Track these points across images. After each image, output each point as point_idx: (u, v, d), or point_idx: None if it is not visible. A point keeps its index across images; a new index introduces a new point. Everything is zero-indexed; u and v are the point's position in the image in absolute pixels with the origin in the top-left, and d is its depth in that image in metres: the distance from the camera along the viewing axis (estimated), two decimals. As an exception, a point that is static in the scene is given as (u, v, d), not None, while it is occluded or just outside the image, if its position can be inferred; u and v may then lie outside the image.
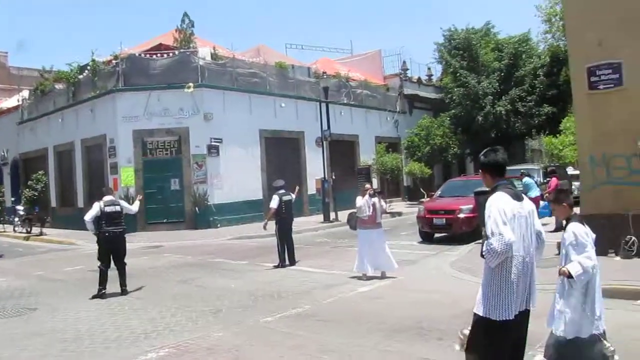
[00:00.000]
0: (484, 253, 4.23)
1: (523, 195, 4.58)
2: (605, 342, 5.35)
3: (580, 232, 5.35)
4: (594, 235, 5.42)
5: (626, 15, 11.11)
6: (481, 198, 10.48)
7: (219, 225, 23.29)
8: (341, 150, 29.62)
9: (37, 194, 26.48)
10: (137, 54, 24.62)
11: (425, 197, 26.33)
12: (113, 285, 10.73)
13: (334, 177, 25.68)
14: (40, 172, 27.58)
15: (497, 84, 33.50)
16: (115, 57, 24.54)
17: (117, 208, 10.87)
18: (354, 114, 32.04)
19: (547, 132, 34.94)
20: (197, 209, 23.33)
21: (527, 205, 4.48)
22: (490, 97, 33.22)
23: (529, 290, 4.40)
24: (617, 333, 5.96)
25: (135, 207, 11.83)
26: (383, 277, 11.26)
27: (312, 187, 27.49)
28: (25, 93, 32.28)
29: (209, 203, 23.53)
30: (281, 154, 26.96)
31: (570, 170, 26.28)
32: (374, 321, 7.95)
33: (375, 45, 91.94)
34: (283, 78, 28.22)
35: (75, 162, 27.02)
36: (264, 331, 7.79)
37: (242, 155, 24.84)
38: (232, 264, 14.33)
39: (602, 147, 11.67)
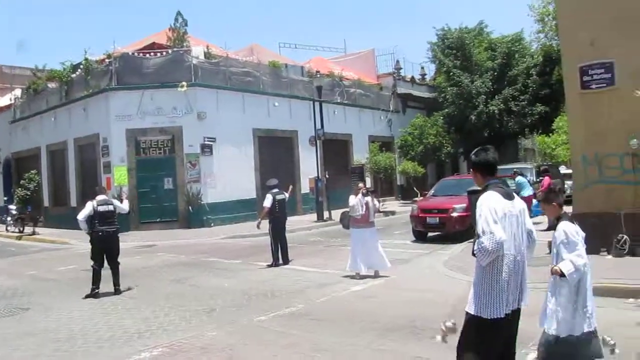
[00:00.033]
0: (475, 252, 4.25)
1: (514, 194, 4.59)
2: (605, 336, 5.41)
3: (570, 230, 5.40)
4: (583, 234, 5.46)
5: (618, 15, 11.16)
6: (474, 197, 10.49)
7: (212, 225, 23.26)
8: (334, 150, 29.65)
9: (29, 193, 26.40)
10: (130, 53, 24.53)
11: (419, 196, 26.36)
12: (106, 285, 10.71)
13: (327, 176, 25.69)
14: (32, 172, 27.50)
15: (490, 83, 33.59)
16: (109, 56, 24.47)
17: (110, 207, 10.85)
18: (348, 113, 32.07)
19: (539, 131, 35.15)
20: (190, 208, 23.30)
21: (518, 204, 4.50)
22: (483, 96, 33.30)
23: (521, 288, 4.43)
24: (608, 331, 5.98)
25: (126, 206, 11.81)
26: (376, 276, 11.28)
27: (305, 186, 27.45)
28: (18, 92, 32.09)
29: (202, 202, 23.50)
30: (274, 153, 26.95)
31: (563, 169, 26.41)
32: (367, 320, 7.97)
33: (369, 44, 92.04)
34: (276, 77, 28.20)
35: (68, 161, 26.93)
36: (258, 330, 7.80)
37: (235, 154, 24.82)
38: (226, 263, 14.32)
39: (595, 146, 11.73)
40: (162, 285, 11.57)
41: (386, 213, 26.27)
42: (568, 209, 12.13)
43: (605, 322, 6.23)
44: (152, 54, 24.30)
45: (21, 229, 24.62)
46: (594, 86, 11.71)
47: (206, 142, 23.83)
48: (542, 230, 5.97)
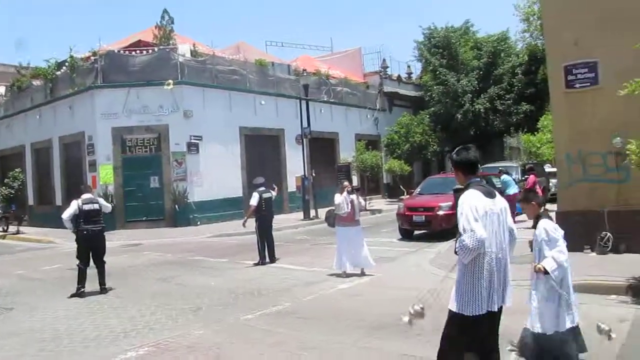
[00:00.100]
0: (456, 249, 4.29)
1: (495, 192, 4.64)
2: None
3: (550, 227, 5.52)
4: (562, 231, 5.56)
5: (603, 15, 11.26)
6: (460, 195, 10.58)
7: (198, 223, 23.20)
8: (321, 148, 29.63)
9: (13, 192, 26.25)
10: (116, 51, 24.39)
11: (405, 194, 26.45)
12: (92, 284, 10.67)
13: (314, 174, 25.70)
14: (17, 170, 27.32)
15: (476, 82, 33.75)
16: (94, 54, 24.32)
17: (96, 206, 10.80)
18: (334, 111, 32.08)
19: (525, 130, 35.35)
20: (176, 206, 23.23)
21: (499, 202, 4.54)
22: (469, 95, 33.45)
23: (503, 286, 4.46)
24: (591, 327, 6.06)
25: (109, 205, 11.76)
26: (362, 274, 11.31)
27: (292, 185, 27.46)
28: (2, 89, 31.81)
29: (188, 201, 23.43)
30: (261, 151, 26.92)
31: (548, 168, 26.62)
32: (354, 318, 8.00)
33: (356, 43, 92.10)
34: (263, 75, 28.16)
35: (53, 159, 26.74)
36: (244, 329, 7.80)
37: (222, 152, 24.77)
38: (212, 261, 14.30)
39: (579, 144, 11.84)
40: (148, 284, 11.54)
41: (373, 211, 26.34)
42: (553, 207, 12.29)
43: (589, 319, 6.31)
44: (138, 51, 24.18)
45: (5, 228, 24.45)
46: (578, 85, 11.82)
47: (192, 141, 23.77)
48: (528, 228, 6.02)
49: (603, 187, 11.43)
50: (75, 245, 10.88)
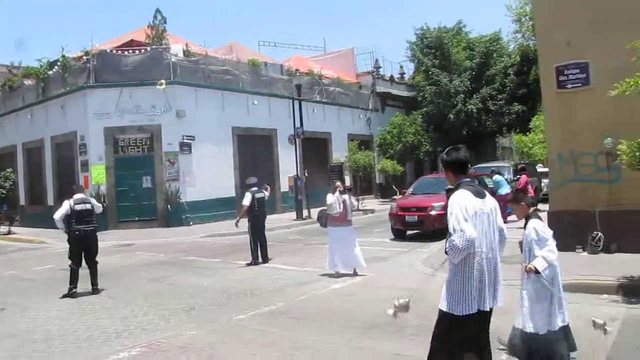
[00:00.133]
0: (446, 249, 4.31)
1: (485, 192, 4.65)
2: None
3: (540, 227, 5.57)
4: (551, 231, 5.61)
5: (594, 16, 11.33)
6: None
7: (191, 223, 23.16)
8: (314, 148, 29.64)
9: (5, 192, 26.08)
10: (108, 50, 24.33)
11: (398, 194, 26.48)
12: (84, 284, 10.64)
13: (306, 174, 25.70)
14: (8, 170, 27.16)
15: (469, 82, 33.85)
16: (86, 53, 24.24)
17: (88, 206, 10.76)
18: (327, 111, 32.11)
19: (517, 130, 35.52)
20: (169, 206, 23.18)
21: (489, 202, 4.56)
22: (461, 95, 33.55)
23: (494, 287, 4.47)
24: (583, 326, 6.10)
25: (100, 205, 11.71)
26: (355, 274, 11.32)
27: (284, 185, 27.46)
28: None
29: (181, 201, 23.39)
30: (254, 151, 26.90)
31: (540, 168, 26.71)
32: (347, 318, 8.01)
33: (348, 43, 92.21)
34: (256, 75, 28.14)
35: (44, 159, 26.62)
36: (237, 329, 7.81)
37: (214, 152, 24.74)
38: (205, 261, 14.28)
39: (570, 145, 11.91)
40: (140, 285, 11.52)
41: (365, 211, 26.37)
42: (545, 207, 12.35)
43: (580, 318, 6.36)
44: (130, 51, 24.12)
45: (-3, 228, 24.32)
46: (569, 86, 11.89)
47: (185, 141, 23.74)
48: (520, 228, 6.06)
49: (594, 187, 11.50)
50: (68, 246, 10.84)
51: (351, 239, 11.49)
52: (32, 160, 28.13)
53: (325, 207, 11.80)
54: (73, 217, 10.49)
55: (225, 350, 6.89)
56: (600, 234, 11.17)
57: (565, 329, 5.57)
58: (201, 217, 23.52)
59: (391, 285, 10.25)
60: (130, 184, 23.41)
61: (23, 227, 25.32)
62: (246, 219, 13.80)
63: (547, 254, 5.45)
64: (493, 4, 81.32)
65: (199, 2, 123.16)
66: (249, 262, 13.44)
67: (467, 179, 4.61)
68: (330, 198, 11.44)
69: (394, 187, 30.25)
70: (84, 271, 10.66)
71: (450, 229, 4.26)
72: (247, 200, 13.64)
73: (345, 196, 11.59)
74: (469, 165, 4.80)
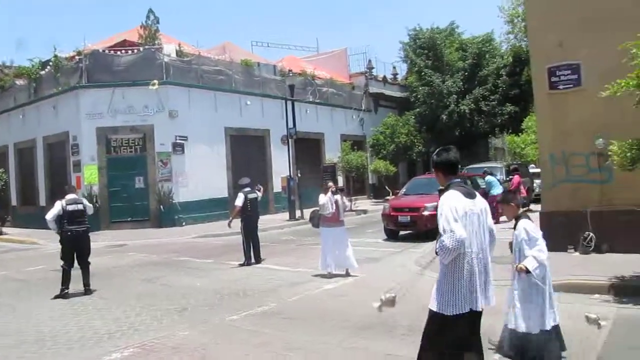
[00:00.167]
0: (437, 250, 4.33)
1: (476, 192, 4.67)
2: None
3: (530, 227, 5.62)
4: (541, 232, 5.66)
5: (585, 18, 11.37)
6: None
7: (184, 224, 23.14)
8: (307, 148, 29.65)
9: (-4, 192, 25.93)
10: (101, 50, 24.29)
11: (390, 194, 26.50)
12: (76, 285, 10.61)
13: (299, 175, 25.72)
14: (0, 170, 27.02)
15: (461, 83, 33.95)
16: (79, 53, 24.19)
17: (80, 207, 10.72)
18: (320, 112, 32.12)
19: (509, 130, 35.61)
20: (162, 207, 23.15)
21: (480, 202, 4.57)
22: (454, 96, 33.63)
23: (485, 287, 4.47)
24: (574, 326, 6.14)
25: (91, 205, 11.66)
26: (347, 274, 11.33)
27: (277, 185, 27.45)
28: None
29: (174, 201, 23.36)
30: (247, 151, 26.88)
31: (532, 169, 26.80)
32: (339, 319, 8.02)
33: (341, 43, 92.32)
34: (249, 76, 28.13)
35: (36, 159, 26.53)
36: (230, 329, 7.80)
37: (207, 153, 24.72)
38: (198, 262, 14.26)
39: (562, 145, 11.96)
40: (133, 285, 11.49)
41: (358, 212, 26.41)
42: (537, 208, 12.40)
43: (573, 317, 6.39)
44: (123, 51, 24.09)
45: (-12, 228, 24.18)
46: (561, 87, 11.95)
47: (178, 141, 23.70)
48: (511, 228, 6.10)
49: (586, 188, 11.55)
50: (60, 246, 10.80)
51: (343, 239, 11.49)
52: (24, 161, 28.03)
53: (317, 208, 11.80)
54: (65, 218, 10.45)
55: (218, 351, 6.88)
56: (591, 234, 11.23)
57: (557, 329, 5.61)
58: (194, 218, 23.49)
59: (384, 285, 10.22)
60: (123, 185, 23.37)
61: (15, 228, 25.21)
62: (239, 220, 13.79)
63: (538, 253, 5.49)
64: (485, 5, 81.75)
65: (192, 3, 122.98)
66: (241, 262, 13.43)
67: (458, 180, 4.62)
68: (323, 198, 11.44)
69: (386, 187, 30.30)
70: (76, 272, 10.63)
71: (440, 230, 4.28)
72: (239, 201, 13.64)
73: (338, 196, 11.59)
74: (460, 166, 4.82)
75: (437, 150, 4.78)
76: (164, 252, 16.32)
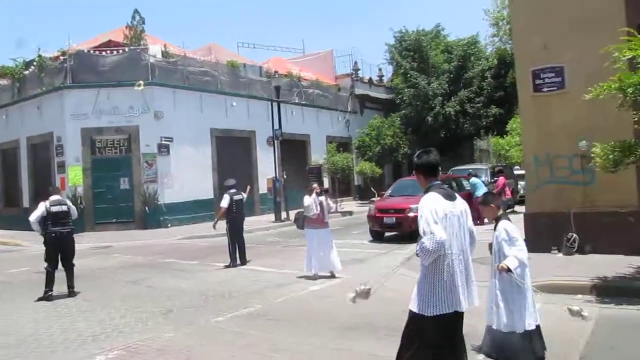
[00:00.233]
0: (417, 252, 4.35)
1: (456, 194, 4.70)
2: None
3: (510, 228, 5.69)
4: (520, 232, 5.74)
5: (570, 21, 11.49)
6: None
7: (169, 225, 23.05)
8: (292, 150, 29.67)
9: (-21, 193, 25.70)
10: (85, 51, 24.14)
11: (376, 196, 26.57)
12: (60, 287, 10.53)
13: (285, 176, 25.72)
14: (-18, 171, 26.79)
15: (447, 85, 34.15)
16: (63, 53, 24.00)
17: (64, 208, 10.64)
18: (306, 113, 32.15)
19: (494, 132, 35.88)
20: (147, 208, 23.04)
21: (460, 204, 4.60)
22: (439, 98, 33.82)
23: (467, 287, 4.50)
24: (557, 327, 6.19)
25: (74, 208, 11.55)
26: (333, 276, 11.34)
27: (263, 187, 27.45)
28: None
29: (159, 202, 23.27)
30: (232, 153, 26.83)
31: (517, 170, 26.99)
32: (325, 320, 8.04)
33: (327, 45, 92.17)
34: (234, 77, 28.09)
35: (20, 160, 26.30)
36: (215, 331, 7.79)
37: (192, 154, 24.65)
38: (183, 264, 14.21)
39: (546, 147, 12.07)
40: (117, 287, 11.43)
41: (344, 213, 26.43)
42: (521, 209, 12.46)
43: (555, 318, 6.45)
44: (108, 52, 23.95)
45: (-29, 230, 23.97)
46: (545, 89, 12.06)
47: (163, 142, 23.61)
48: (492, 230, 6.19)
49: (569, 189, 11.66)
50: (44, 248, 10.72)
51: (328, 241, 11.50)
52: (7, 162, 27.79)
53: (302, 209, 11.81)
54: (49, 219, 10.37)
55: (203, 353, 6.87)
56: (575, 235, 11.33)
57: (538, 329, 5.67)
58: (179, 219, 23.41)
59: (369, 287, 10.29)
60: (108, 186, 23.24)
61: (-3, 229, 24.98)
62: (224, 221, 13.77)
63: (518, 252, 5.57)
64: (471, 8, 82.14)
65: (178, 3, 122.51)
66: (227, 264, 13.41)
67: (438, 182, 4.65)
68: (307, 200, 11.45)
69: (372, 189, 30.36)
70: (60, 274, 10.55)
71: (421, 232, 4.30)
72: (225, 202, 13.62)
73: (322, 198, 11.60)
74: (440, 168, 4.85)
75: (418, 152, 4.81)
76: (149, 253, 16.24)
